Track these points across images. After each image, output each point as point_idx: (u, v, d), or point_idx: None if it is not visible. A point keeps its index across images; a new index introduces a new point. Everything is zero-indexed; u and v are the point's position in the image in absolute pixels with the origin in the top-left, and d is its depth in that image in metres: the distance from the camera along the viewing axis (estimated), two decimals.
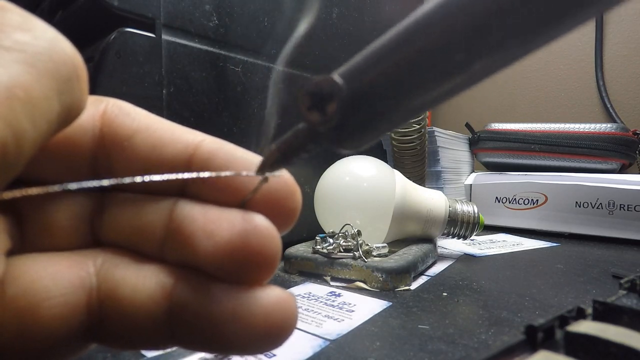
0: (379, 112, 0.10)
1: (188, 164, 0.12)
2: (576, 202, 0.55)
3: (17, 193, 0.10)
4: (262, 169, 0.12)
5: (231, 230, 0.11)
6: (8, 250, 0.11)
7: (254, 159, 0.12)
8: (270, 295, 0.12)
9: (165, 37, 0.31)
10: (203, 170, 0.12)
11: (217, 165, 0.12)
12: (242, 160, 0.12)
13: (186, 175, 0.12)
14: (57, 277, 0.11)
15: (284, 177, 0.12)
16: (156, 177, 0.12)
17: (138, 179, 0.11)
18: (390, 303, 0.29)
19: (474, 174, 0.67)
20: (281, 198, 0.12)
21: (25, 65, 0.09)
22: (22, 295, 0.10)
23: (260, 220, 0.12)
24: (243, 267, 0.11)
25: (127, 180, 0.11)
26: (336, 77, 0.10)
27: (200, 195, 0.12)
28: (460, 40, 0.09)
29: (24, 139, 0.09)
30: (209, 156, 0.12)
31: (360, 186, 0.38)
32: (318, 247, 0.36)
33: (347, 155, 0.42)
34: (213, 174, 0.12)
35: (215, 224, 0.12)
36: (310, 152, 0.11)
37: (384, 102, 0.10)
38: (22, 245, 0.11)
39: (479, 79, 0.09)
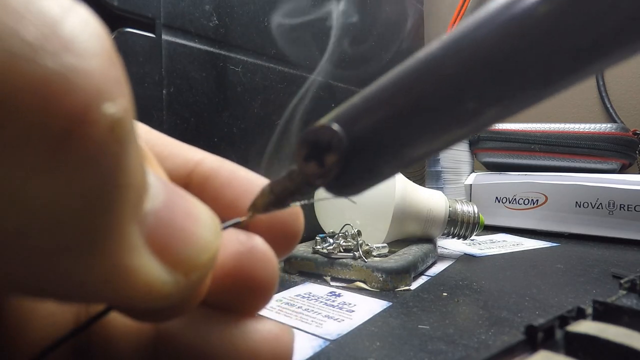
0: (380, 162, 0.09)
1: (187, 179, 0.12)
2: (576, 202, 0.55)
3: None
4: (254, 209, 0.11)
5: (224, 251, 0.10)
6: None
7: (256, 179, 0.12)
8: (261, 329, 0.11)
9: (165, 37, 0.31)
10: (202, 185, 0.12)
11: (218, 183, 0.12)
12: (244, 179, 0.12)
13: None
14: None
15: None
16: None
17: None
18: (390, 303, 0.29)
19: (474, 174, 0.66)
20: (284, 221, 0.12)
21: None
22: (11, 313, 0.10)
23: (257, 242, 0.11)
24: (234, 293, 0.11)
25: None
26: (335, 125, 0.09)
27: None
28: (472, 87, 0.08)
29: None
30: (211, 173, 0.12)
31: None
32: (318, 247, 0.36)
33: None
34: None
35: None
36: (306, 195, 0.11)
37: (385, 151, 0.09)
38: None
39: (488, 125, 0.09)
